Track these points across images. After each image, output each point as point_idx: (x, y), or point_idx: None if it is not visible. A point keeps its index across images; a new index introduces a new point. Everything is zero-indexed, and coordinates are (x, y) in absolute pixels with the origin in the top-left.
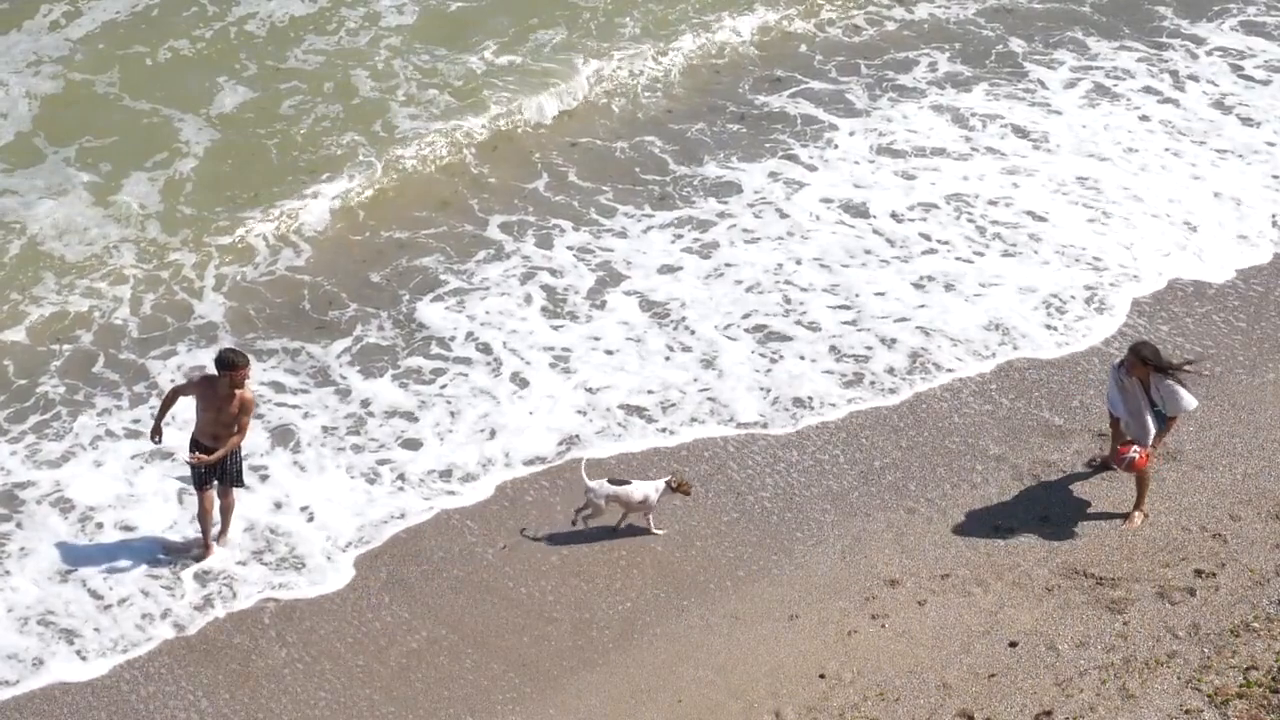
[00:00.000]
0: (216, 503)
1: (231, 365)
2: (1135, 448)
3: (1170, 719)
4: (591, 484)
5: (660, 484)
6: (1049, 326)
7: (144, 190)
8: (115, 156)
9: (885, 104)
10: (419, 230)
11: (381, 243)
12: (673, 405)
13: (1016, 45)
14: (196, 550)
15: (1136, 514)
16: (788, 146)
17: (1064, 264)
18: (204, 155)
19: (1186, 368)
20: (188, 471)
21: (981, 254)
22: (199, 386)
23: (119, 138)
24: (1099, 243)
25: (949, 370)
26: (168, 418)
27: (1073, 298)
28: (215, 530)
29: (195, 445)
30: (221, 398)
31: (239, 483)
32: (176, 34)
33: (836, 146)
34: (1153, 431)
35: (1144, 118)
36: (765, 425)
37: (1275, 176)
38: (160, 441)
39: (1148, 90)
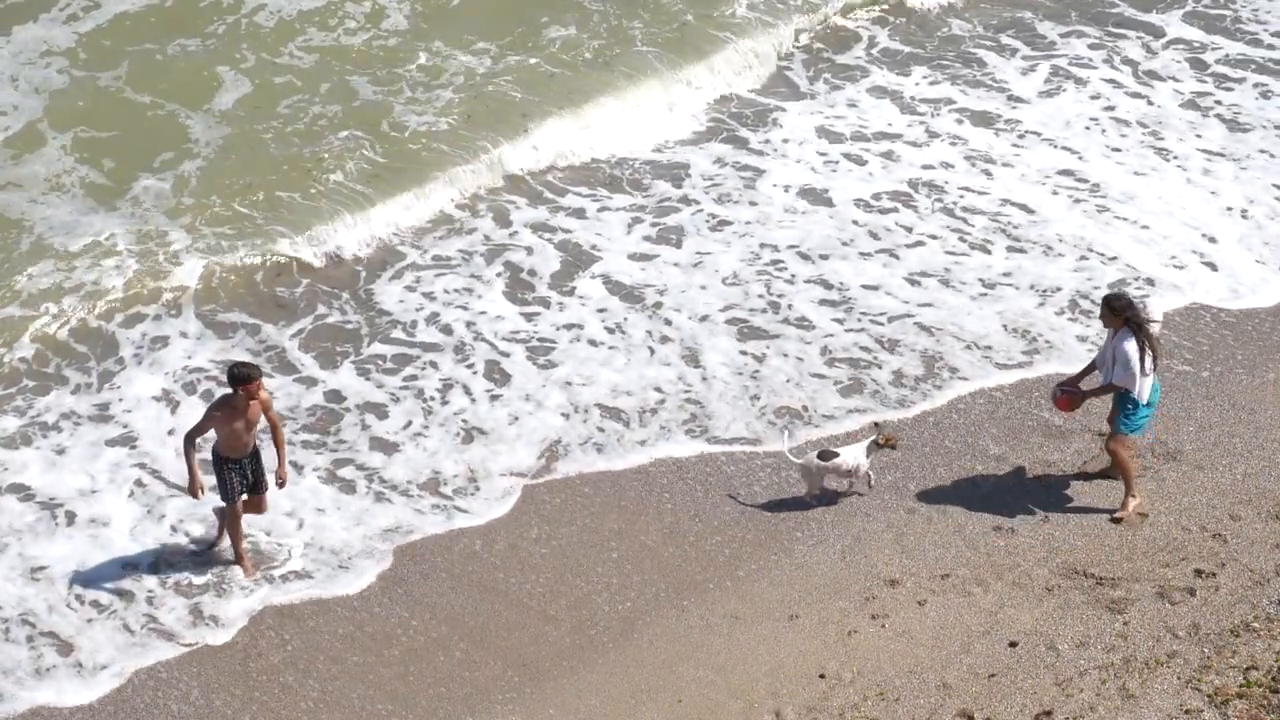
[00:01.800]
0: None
1: (246, 379)
2: (1063, 388)
3: (1170, 719)
4: (799, 461)
5: (867, 444)
6: (1080, 338)
7: (144, 179)
8: (118, 148)
9: (823, 85)
10: (366, 189)
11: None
12: (652, 412)
13: (960, 28)
14: (218, 560)
15: (1130, 501)
16: (730, 129)
17: (1075, 262)
18: (205, 148)
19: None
20: (147, 464)
21: (980, 248)
22: (216, 419)
23: (121, 130)
24: (1105, 241)
25: (965, 378)
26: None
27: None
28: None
29: (222, 460)
30: (240, 410)
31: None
32: (187, 30)
33: (781, 126)
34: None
35: (1109, 106)
36: (757, 442)
37: (1276, 185)
38: (204, 495)
39: (1113, 84)
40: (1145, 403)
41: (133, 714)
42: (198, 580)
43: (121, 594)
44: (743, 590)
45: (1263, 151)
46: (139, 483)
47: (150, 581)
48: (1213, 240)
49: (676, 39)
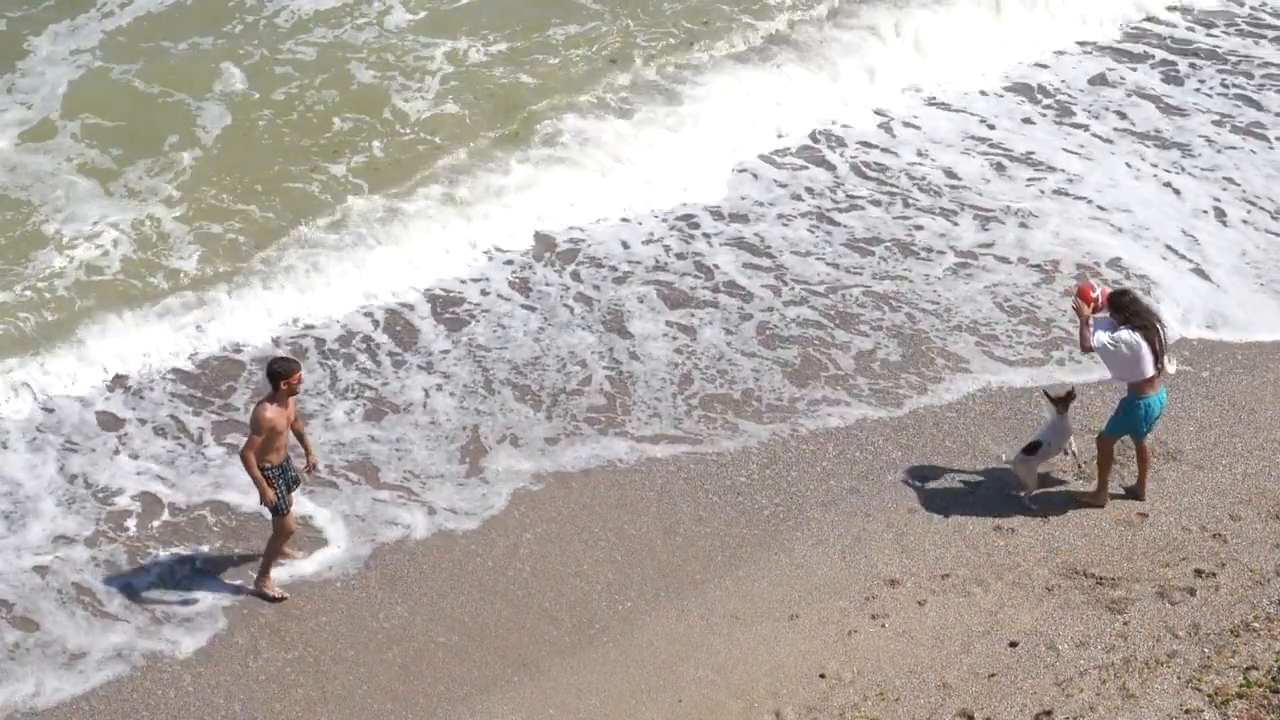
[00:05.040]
0: None
1: (288, 373)
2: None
3: (1170, 719)
4: (1010, 464)
5: (1052, 415)
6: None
7: (144, 168)
8: (125, 139)
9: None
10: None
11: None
12: (571, 394)
13: None
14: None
15: (1100, 494)
16: (595, 68)
17: (1050, 236)
18: (207, 142)
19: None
20: (80, 439)
21: (932, 214)
22: (268, 423)
23: (127, 122)
24: (1063, 217)
25: (969, 372)
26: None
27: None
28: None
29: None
30: (284, 407)
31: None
32: (204, 28)
33: (640, 71)
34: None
35: (1007, 75)
36: (697, 441)
37: (1230, 178)
38: (280, 499)
39: (1004, 48)
40: (1130, 389)
41: (130, 711)
42: (185, 574)
43: (105, 590)
44: (743, 590)
45: (1203, 138)
46: (39, 428)
47: (131, 573)
48: (1195, 240)
49: None
